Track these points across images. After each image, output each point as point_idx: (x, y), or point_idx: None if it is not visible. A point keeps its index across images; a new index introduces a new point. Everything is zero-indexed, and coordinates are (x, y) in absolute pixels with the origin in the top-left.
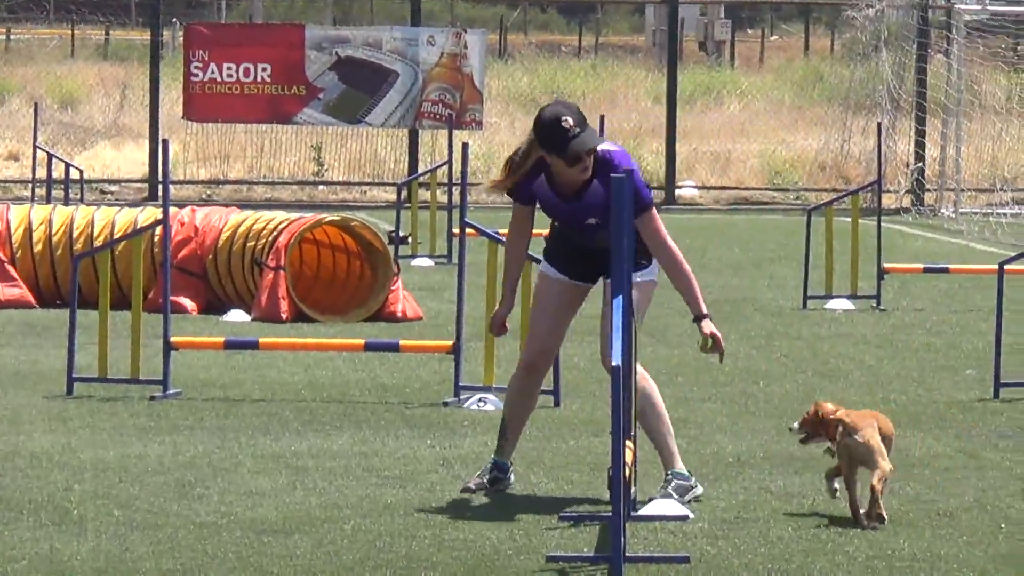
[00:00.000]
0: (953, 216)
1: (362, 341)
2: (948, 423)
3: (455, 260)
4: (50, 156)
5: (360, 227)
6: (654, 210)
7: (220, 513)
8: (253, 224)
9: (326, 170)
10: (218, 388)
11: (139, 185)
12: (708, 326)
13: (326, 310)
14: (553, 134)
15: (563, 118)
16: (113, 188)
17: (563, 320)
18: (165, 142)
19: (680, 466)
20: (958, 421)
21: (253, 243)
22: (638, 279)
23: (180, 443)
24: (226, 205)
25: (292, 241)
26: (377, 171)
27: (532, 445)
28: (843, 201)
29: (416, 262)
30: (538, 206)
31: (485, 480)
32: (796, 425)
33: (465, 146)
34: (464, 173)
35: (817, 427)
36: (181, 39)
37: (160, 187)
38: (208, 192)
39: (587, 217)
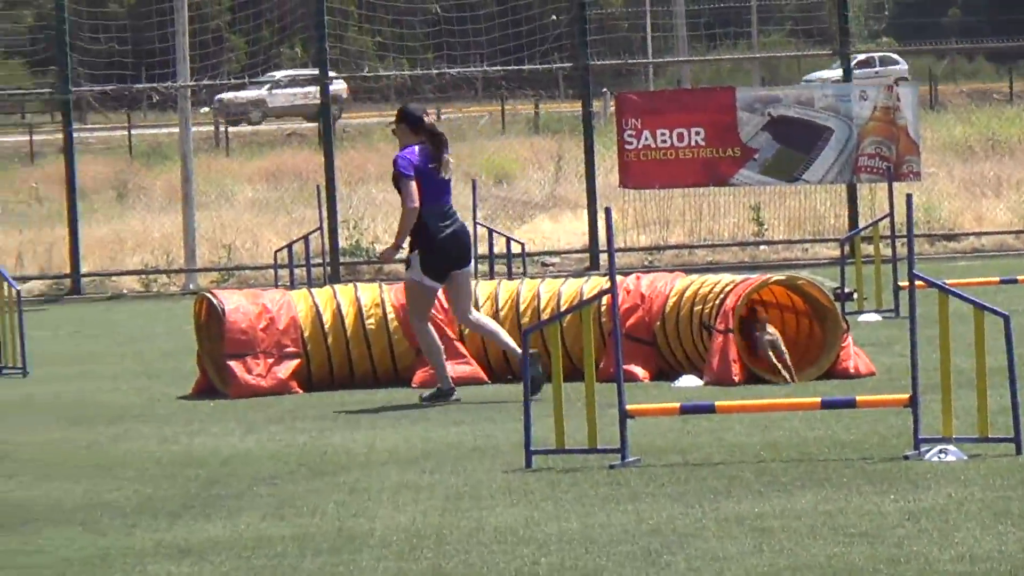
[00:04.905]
0: None
1: (818, 399)
2: None
3: (902, 313)
4: (490, 231)
5: (807, 285)
6: (405, 181)
7: None
8: (699, 288)
9: (766, 230)
10: (676, 453)
11: (580, 255)
12: (387, 251)
13: (777, 370)
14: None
15: None
16: (554, 260)
17: None
18: (608, 211)
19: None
20: None
21: (700, 307)
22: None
23: (643, 510)
24: (670, 270)
25: (739, 303)
26: (817, 228)
27: (996, 495)
28: None
29: (863, 317)
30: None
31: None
32: None
33: (909, 197)
34: (910, 225)
35: None
36: (612, 108)
37: (603, 256)
38: (650, 258)
39: None
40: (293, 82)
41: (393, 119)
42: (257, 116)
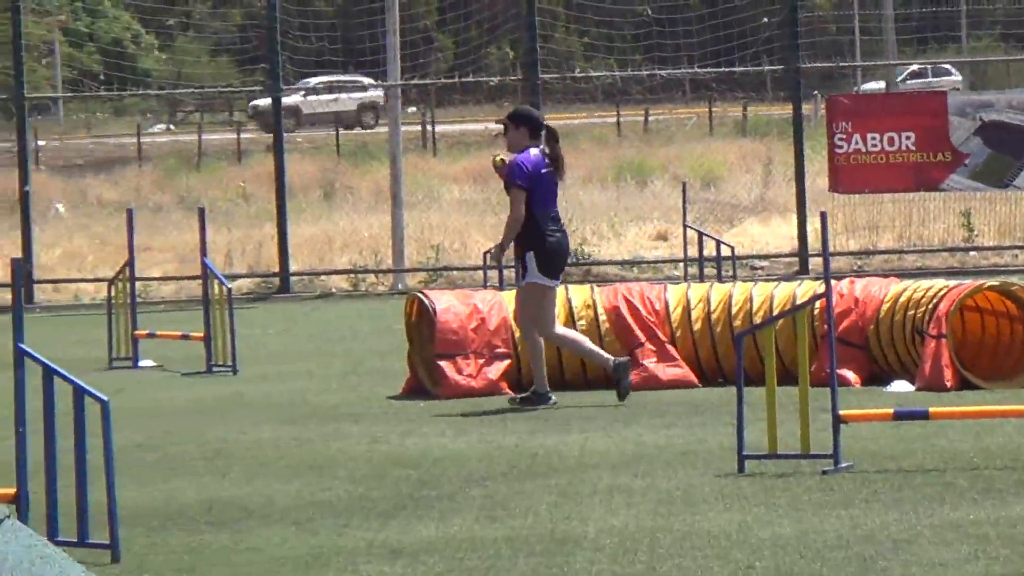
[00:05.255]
0: None
1: None
2: None
3: None
4: (700, 234)
5: (1021, 291)
6: (516, 190)
7: None
8: (913, 293)
9: (976, 236)
10: (889, 459)
11: (789, 259)
12: (495, 252)
13: (991, 376)
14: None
15: None
16: (763, 263)
17: None
18: (823, 215)
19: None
20: None
21: (913, 312)
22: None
23: (856, 516)
24: (881, 275)
25: (952, 308)
26: None
27: None
28: None
29: None
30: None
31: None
32: None
33: None
34: None
35: None
36: (822, 111)
37: (812, 260)
38: (859, 263)
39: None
40: (330, 88)
41: (506, 118)
42: (291, 124)
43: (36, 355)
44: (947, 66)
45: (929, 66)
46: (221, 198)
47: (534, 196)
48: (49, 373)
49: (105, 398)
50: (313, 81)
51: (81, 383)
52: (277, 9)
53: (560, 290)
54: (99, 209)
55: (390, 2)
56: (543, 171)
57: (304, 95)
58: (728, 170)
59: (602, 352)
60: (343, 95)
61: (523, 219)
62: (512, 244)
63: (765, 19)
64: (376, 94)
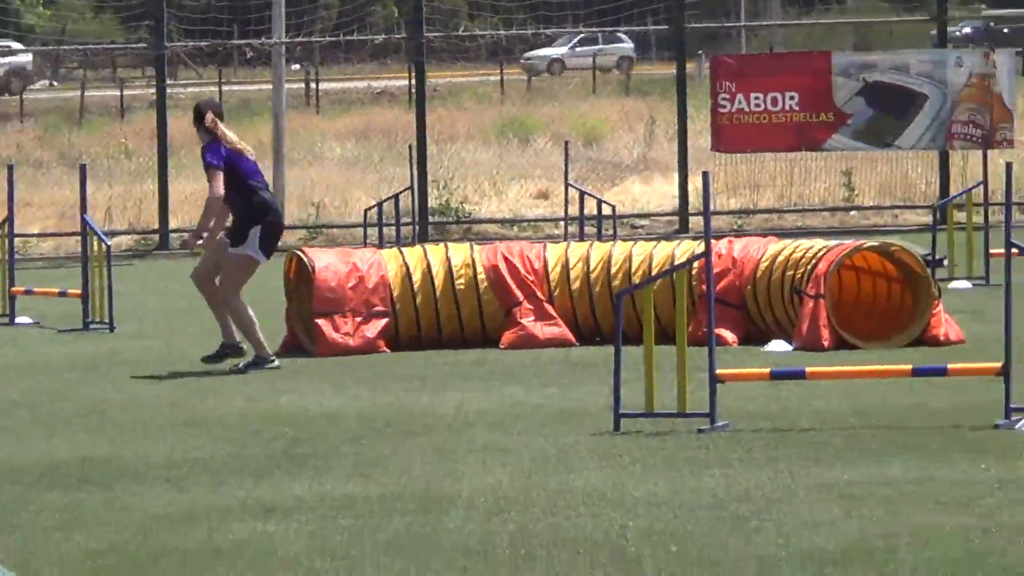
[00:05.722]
0: None
1: (909, 366)
2: None
3: (993, 281)
4: (582, 193)
5: (900, 252)
6: (212, 170)
7: (778, 545)
8: (791, 253)
9: (857, 195)
10: (765, 419)
11: (670, 218)
12: (193, 239)
13: (867, 336)
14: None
15: None
16: (643, 222)
17: None
18: (706, 175)
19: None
20: None
21: (792, 272)
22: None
23: (732, 476)
24: (760, 235)
25: (831, 268)
26: (908, 195)
27: None
28: None
29: (953, 284)
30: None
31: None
32: None
33: (1009, 166)
34: (1009, 193)
35: None
36: (707, 71)
37: (692, 219)
38: (739, 222)
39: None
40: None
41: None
42: None
43: None
44: (621, 35)
45: (600, 33)
46: (103, 155)
47: (244, 171)
48: None
49: None
50: None
51: None
52: None
53: (439, 248)
54: None
55: None
56: (236, 147)
57: None
58: (611, 129)
59: (262, 339)
60: None
61: (222, 198)
62: (233, 215)
63: None
64: (25, 59)
